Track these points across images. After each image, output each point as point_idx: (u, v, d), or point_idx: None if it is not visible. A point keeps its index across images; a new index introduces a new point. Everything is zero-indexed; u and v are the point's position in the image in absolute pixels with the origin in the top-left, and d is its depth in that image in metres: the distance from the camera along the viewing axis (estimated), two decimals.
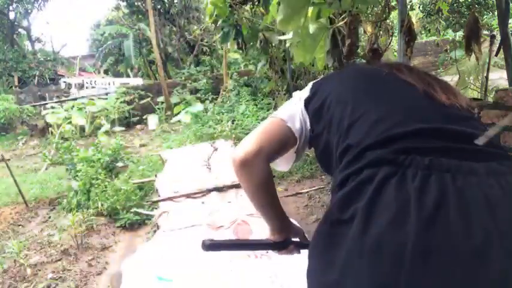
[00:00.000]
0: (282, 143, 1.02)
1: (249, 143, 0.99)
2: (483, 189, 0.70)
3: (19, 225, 4.30)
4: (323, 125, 0.98)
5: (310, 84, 1.13)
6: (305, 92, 1.10)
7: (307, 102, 1.05)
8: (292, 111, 1.06)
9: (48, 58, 16.80)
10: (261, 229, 2.28)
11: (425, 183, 0.70)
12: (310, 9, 1.97)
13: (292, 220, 1.24)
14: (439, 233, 0.67)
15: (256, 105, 9.34)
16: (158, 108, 12.26)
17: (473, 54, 2.38)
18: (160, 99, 12.38)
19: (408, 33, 2.08)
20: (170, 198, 3.01)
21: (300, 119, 1.04)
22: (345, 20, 2.12)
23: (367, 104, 0.90)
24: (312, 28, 2.01)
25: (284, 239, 1.14)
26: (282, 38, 2.73)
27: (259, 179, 1.02)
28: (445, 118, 0.84)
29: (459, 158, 0.74)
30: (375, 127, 0.82)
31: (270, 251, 1.93)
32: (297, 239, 1.18)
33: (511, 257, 0.67)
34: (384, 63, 1.40)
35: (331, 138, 0.93)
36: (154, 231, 2.72)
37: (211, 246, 1.09)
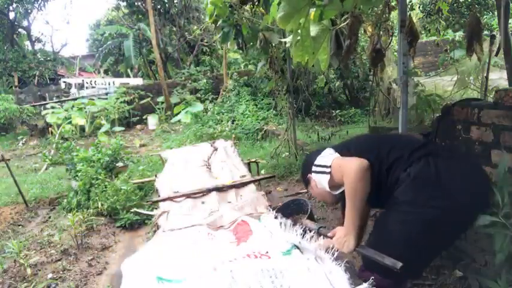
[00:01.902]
0: None
1: (356, 160, 1.70)
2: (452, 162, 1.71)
3: (19, 225, 4.30)
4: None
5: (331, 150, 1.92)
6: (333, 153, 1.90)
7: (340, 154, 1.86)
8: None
9: (48, 58, 16.79)
10: (261, 229, 2.28)
11: (439, 162, 1.65)
12: (312, 10, 1.96)
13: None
14: (449, 173, 1.63)
15: (256, 105, 9.35)
16: (158, 108, 12.26)
17: (474, 55, 2.37)
18: (160, 99, 12.37)
19: (410, 33, 2.08)
20: (170, 198, 3.00)
21: None
22: (347, 22, 2.12)
23: (387, 146, 1.80)
24: (314, 30, 2.01)
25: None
26: (284, 40, 2.73)
27: (368, 186, 1.70)
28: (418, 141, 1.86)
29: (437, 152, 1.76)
30: (403, 150, 1.73)
31: (270, 251, 1.93)
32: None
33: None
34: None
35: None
36: (154, 231, 2.71)
37: None
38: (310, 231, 1.95)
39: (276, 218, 2.15)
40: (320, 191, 1.97)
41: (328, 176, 1.79)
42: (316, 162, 1.88)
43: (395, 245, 1.60)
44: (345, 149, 1.87)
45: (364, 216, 1.98)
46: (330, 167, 1.78)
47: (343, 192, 1.82)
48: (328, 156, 1.85)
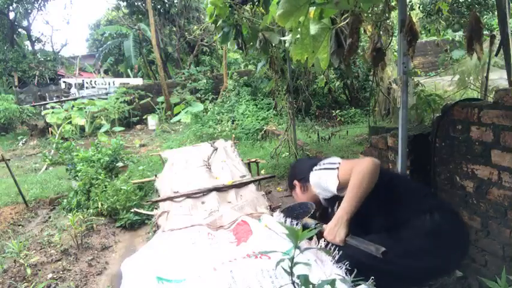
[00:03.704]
0: None
1: (369, 160, 1.71)
2: None
3: (19, 225, 4.30)
4: None
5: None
6: None
7: None
8: None
9: (48, 58, 16.80)
10: (261, 229, 2.28)
11: (444, 223, 1.75)
12: (312, 9, 1.96)
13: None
14: None
15: (256, 105, 9.34)
16: (158, 108, 12.26)
17: (474, 54, 2.37)
18: (160, 99, 12.37)
19: (410, 33, 2.07)
20: (170, 198, 3.00)
21: None
22: (347, 20, 2.11)
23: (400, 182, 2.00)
24: (314, 29, 2.00)
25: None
26: (283, 38, 2.73)
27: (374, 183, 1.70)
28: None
29: None
30: (414, 192, 1.92)
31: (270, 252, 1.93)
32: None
33: None
34: None
35: None
36: (154, 231, 2.71)
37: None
38: (307, 228, 1.95)
39: (279, 219, 2.13)
40: (303, 197, 2.07)
41: (335, 171, 1.79)
42: (322, 162, 1.95)
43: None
44: None
45: None
46: (339, 163, 1.82)
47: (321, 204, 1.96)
48: (336, 158, 1.93)
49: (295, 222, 1.98)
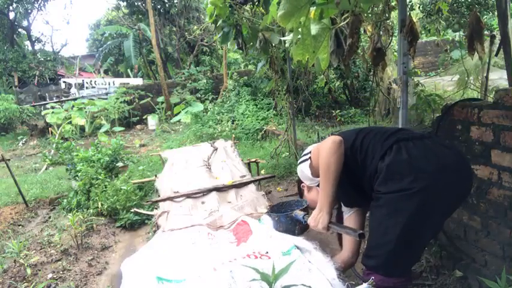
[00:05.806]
0: None
1: (329, 138, 1.73)
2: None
3: (19, 225, 4.30)
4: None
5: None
6: None
7: None
8: None
9: (48, 58, 16.80)
10: (261, 229, 2.28)
11: (409, 145, 1.64)
12: (312, 9, 1.96)
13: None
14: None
15: (256, 105, 9.34)
16: (158, 108, 12.26)
17: (475, 54, 2.37)
18: (160, 99, 12.38)
19: (410, 33, 2.07)
20: (170, 198, 3.00)
21: None
22: (347, 20, 2.11)
23: (361, 135, 1.81)
24: (314, 29, 2.00)
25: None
26: (283, 38, 2.73)
27: (341, 161, 1.71)
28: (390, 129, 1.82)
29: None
30: (375, 139, 1.75)
31: (270, 251, 1.93)
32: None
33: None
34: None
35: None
36: (154, 231, 2.71)
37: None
38: (297, 220, 2.02)
39: (269, 215, 2.20)
40: (311, 196, 2.10)
41: (308, 162, 1.89)
42: (302, 154, 2.02)
43: (389, 240, 1.59)
44: None
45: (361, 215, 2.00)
46: (310, 153, 1.91)
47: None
48: (311, 146, 1.99)
49: (285, 214, 2.08)
